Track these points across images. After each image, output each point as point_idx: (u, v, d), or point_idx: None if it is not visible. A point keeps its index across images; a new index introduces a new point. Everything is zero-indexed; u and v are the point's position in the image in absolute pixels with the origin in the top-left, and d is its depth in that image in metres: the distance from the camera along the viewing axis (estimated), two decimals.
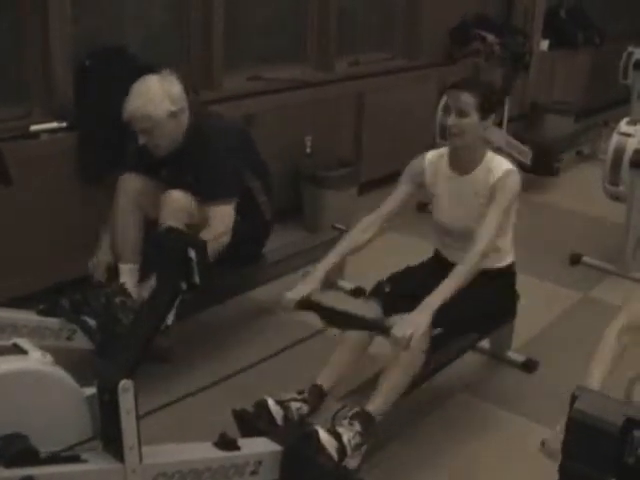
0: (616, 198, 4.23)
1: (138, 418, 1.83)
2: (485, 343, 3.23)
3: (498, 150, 5.03)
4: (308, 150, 4.73)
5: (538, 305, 3.65)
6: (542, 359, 3.27)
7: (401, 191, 2.88)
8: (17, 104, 3.58)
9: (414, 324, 2.38)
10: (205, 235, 2.83)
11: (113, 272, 3.05)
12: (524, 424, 2.89)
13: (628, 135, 4.08)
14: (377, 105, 5.13)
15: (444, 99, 4.81)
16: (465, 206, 2.74)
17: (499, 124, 5.08)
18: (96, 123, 3.55)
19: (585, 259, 4.34)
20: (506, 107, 5.15)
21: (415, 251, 3.13)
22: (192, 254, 2.10)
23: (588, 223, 4.93)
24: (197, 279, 2.11)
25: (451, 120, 2.68)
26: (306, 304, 2.53)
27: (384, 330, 2.39)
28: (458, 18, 6.01)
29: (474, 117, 2.65)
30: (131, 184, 3.11)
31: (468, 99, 2.64)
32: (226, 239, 2.99)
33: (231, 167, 3.08)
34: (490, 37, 6.06)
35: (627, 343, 2.16)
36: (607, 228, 4.66)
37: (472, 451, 2.74)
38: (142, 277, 3.03)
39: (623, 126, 4.16)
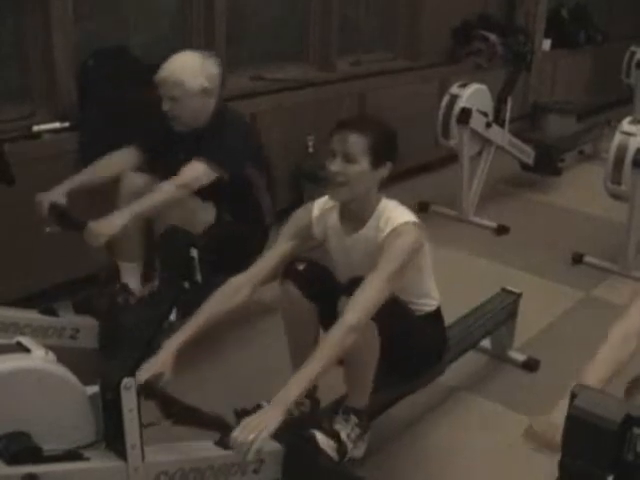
0: (618, 197, 4.23)
1: (140, 416, 1.84)
2: (486, 342, 3.23)
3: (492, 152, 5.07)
4: (310, 149, 4.73)
5: (540, 304, 3.65)
6: (543, 358, 3.26)
7: (282, 249, 2.45)
8: (20, 104, 3.59)
9: (261, 426, 1.94)
10: (166, 183, 2.82)
11: (62, 217, 2.91)
12: (525, 422, 2.87)
13: (630, 134, 4.08)
14: (379, 105, 5.13)
15: (446, 98, 4.83)
16: (357, 266, 2.36)
17: (501, 124, 5.09)
18: (99, 123, 3.56)
19: (587, 258, 4.34)
20: (508, 107, 5.16)
21: None
22: (194, 253, 2.10)
23: (590, 222, 4.94)
24: (199, 278, 2.11)
25: (335, 166, 2.28)
26: (148, 390, 2.07)
27: (224, 432, 2.04)
28: (460, 18, 6.02)
29: (364, 164, 2.27)
30: (134, 181, 3.06)
31: (358, 142, 2.25)
32: (182, 193, 2.88)
33: (235, 147, 3.01)
34: (492, 37, 6.07)
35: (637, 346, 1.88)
36: (609, 227, 4.66)
37: (473, 450, 2.74)
38: (146, 275, 3.03)
39: (625, 125, 4.16)
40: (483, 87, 4.89)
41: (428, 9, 5.67)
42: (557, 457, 1.39)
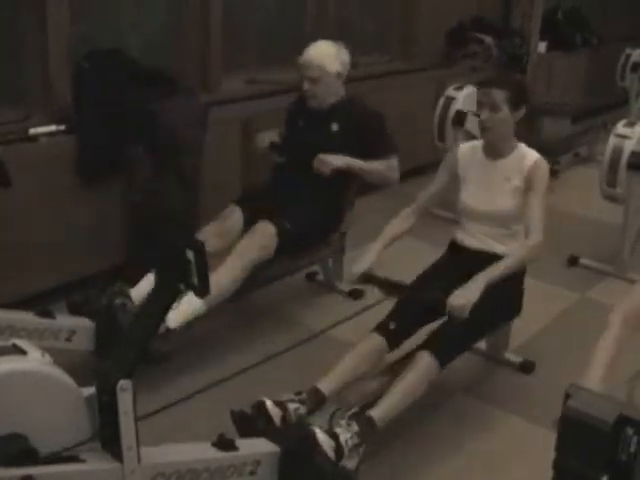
0: (613, 199, 4.24)
1: (136, 419, 1.84)
2: (482, 344, 3.24)
3: None
4: None
5: (535, 306, 3.64)
6: (539, 360, 3.27)
7: (438, 183, 3.08)
8: (16, 107, 3.59)
9: (468, 296, 2.54)
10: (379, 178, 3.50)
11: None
12: (521, 424, 2.90)
13: (625, 137, 4.09)
14: (375, 107, 5.12)
15: (441, 101, 4.85)
16: (494, 190, 2.90)
17: None
18: (94, 125, 3.55)
19: (583, 260, 4.35)
20: None
21: (423, 255, 3.17)
22: (190, 256, 2.10)
23: (586, 225, 4.94)
24: (195, 281, 2.11)
25: (484, 115, 2.86)
26: (367, 277, 2.82)
27: (439, 301, 2.58)
28: (455, 20, 6.02)
29: (505, 111, 2.83)
30: (234, 216, 3.38)
31: (499, 94, 2.82)
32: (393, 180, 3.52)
33: (388, 131, 3.59)
34: (487, 39, 6.07)
35: (633, 327, 2.12)
36: (604, 229, 4.67)
37: (469, 451, 2.75)
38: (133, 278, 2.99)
39: (620, 128, 4.17)
40: None
41: (424, 12, 5.68)
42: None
